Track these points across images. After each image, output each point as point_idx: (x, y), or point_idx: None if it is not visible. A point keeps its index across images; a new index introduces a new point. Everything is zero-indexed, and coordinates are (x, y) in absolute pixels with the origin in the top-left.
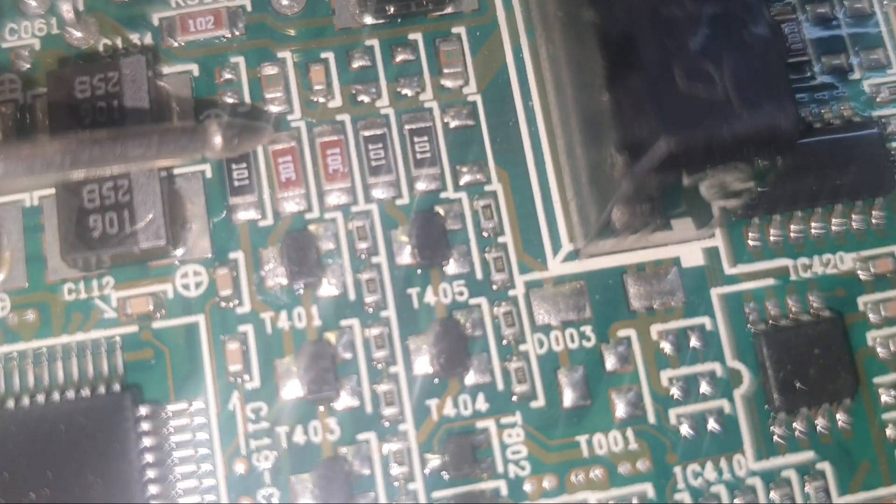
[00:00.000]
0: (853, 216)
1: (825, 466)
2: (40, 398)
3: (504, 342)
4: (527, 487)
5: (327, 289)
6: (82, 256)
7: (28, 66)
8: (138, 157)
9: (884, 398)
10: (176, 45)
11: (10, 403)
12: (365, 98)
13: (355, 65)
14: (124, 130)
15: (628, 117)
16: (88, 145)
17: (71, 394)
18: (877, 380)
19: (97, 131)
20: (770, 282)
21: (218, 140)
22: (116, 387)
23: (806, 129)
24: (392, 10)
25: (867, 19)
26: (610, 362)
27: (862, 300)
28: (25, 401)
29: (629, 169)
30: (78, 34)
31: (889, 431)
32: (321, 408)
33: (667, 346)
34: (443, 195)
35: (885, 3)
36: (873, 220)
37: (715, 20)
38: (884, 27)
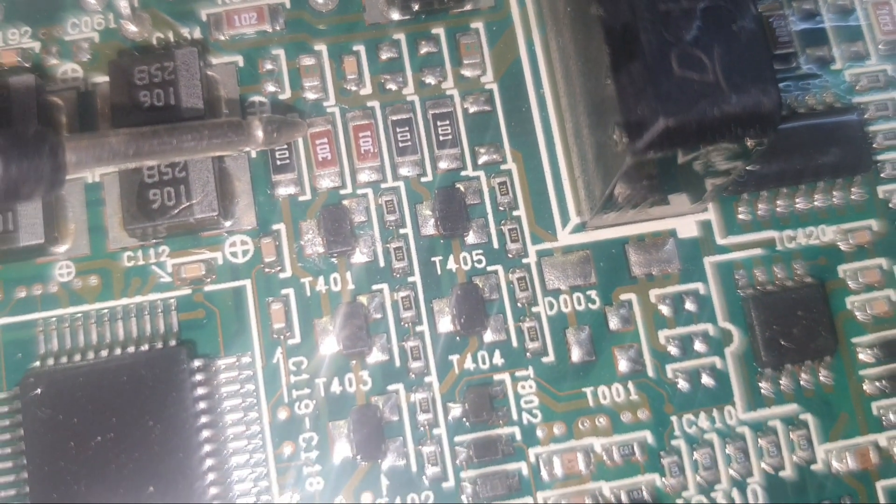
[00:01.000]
0: (834, 193)
1: (808, 417)
2: (104, 353)
3: (518, 304)
4: (538, 433)
5: (360, 257)
6: (142, 227)
7: (88, 56)
8: (191, 149)
9: (861, 356)
10: (222, 38)
11: (77, 357)
12: (392, 86)
13: (384, 56)
14: (179, 125)
15: (630, 100)
16: (149, 137)
17: (132, 349)
18: (855, 340)
19: (156, 126)
20: (758, 251)
21: (260, 134)
22: (172, 343)
23: (790, 113)
24: (417, 6)
25: (848, 14)
26: (613, 323)
27: (842, 268)
28: (91, 355)
29: (631, 146)
30: (133, 28)
31: (866, 386)
32: (354, 362)
33: (664, 309)
34: (463, 173)
35: None
36: (853, 197)
37: (707, 13)
38: (863, 21)
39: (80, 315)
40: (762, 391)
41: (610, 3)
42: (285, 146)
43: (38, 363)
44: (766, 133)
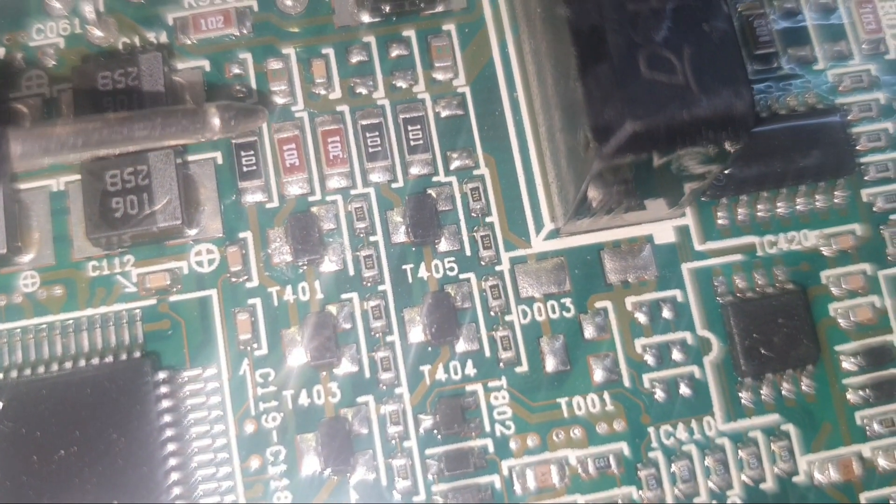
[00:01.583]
0: (817, 196)
1: (789, 428)
2: (68, 365)
3: (491, 313)
4: (512, 445)
5: (329, 265)
6: (105, 235)
7: (53, 62)
8: (144, 138)
9: (844, 365)
10: (189, 42)
11: (41, 370)
12: (363, 90)
13: (353, 59)
14: (131, 113)
15: (598, 103)
16: (98, 127)
17: (96, 361)
18: (838, 348)
19: (106, 114)
20: (738, 257)
21: (216, 122)
22: (137, 354)
23: (771, 115)
24: (387, 8)
25: (830, 13)
26: (588, 331)
27: (825, 274)
28: (55, 367)
29: (598, 150)
30: (99, 33)
31: (849, 395)
32: (323, 373)
33: (641, 317)
34: (434, 179)
35: None
36: (835, 200)
37: (676, 13)
38: (846, 20)
39: (44, 326)
40: (742, 401)
41: (577, 3)
42: (251, 152)
43: (0, 375)
44: (739, 136)
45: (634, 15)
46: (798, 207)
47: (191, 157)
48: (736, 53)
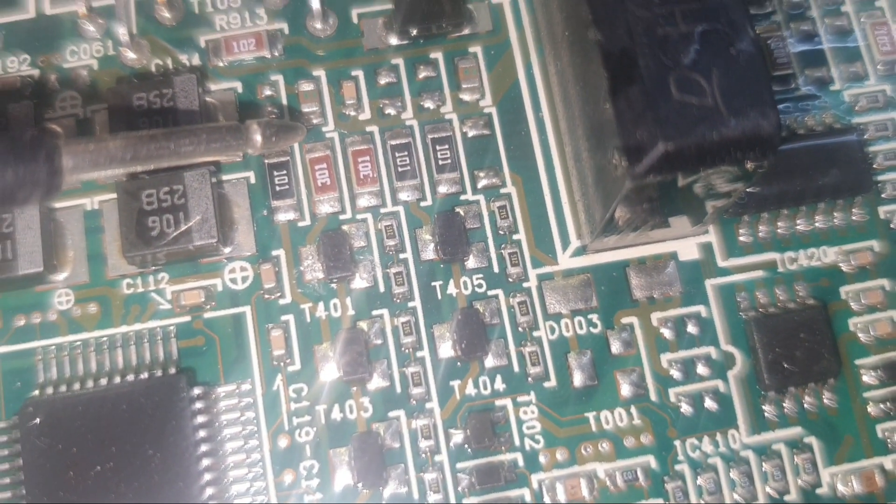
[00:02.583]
0: (835, 214)
1: (812, 440)
2: (104, 381)
3: (519, 329)
4: (541, 459)
5: (359, 282)
6: (141, 254)
7: (87, 84)
8: (189, 153)
9: (865, 378)
10: (221, 64)
11: (77, 386)
12: (391, 111)
13: (382, 81)
14: (177, 129)
15: (629, 124)
16: (146, 142)
17: (131, 377)
18: (858, 361)
19: (154, 130)
20: (760, 273)
21: (258, 137)
22: (172, 370)
23: (790, 134)
24: (415, 31)
25: (847, 35)
26: (615, 346)
27: (844, 290)
28: (90, 384)
29: (631, 170)
30: (132, 55)
31: (870, 408)
32: (355, 388)
33: (666, 332)
34: (462, 197)
35: (862, 20)
36: (854, 217)
37: (704, 37)
38: (861, 42)
39: (79, 343)
40: (766, 414)
41: (608, 27)
42: (284, 172)
43: (37, 392)
44: (765, 156)
45: (664, 39)
46: (817, 224)
47: (225, 177)
48: (762, 76)
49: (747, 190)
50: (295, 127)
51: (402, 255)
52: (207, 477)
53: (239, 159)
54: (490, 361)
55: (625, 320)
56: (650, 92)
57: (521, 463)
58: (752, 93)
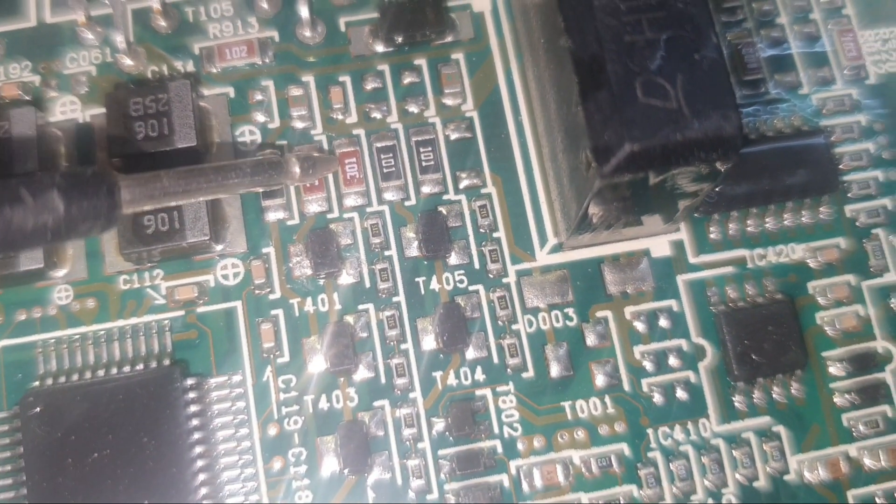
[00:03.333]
0: (803, 212)
1: (780, 429)
2: (101, 373)
3: (499, 322)
4: (519, 446)
5: (346, 278)
6: (137, 251)
7: (86, 89)
8: (234, 186)
9: (831, 370)
10: (214, 70)
11: (75, 377)
12: (377, 115)
13: (368, 86)
14: (225, 164)
15: (598, 126)
16: (197, 176)
17: (127, 369)
18: (825, 354)
19: (203, 165)
20: (730, 269)
21: (297, 170)
22: (166, 362)
23: (759, 136)
24: (400, 39)
25: (814, 41)
26: (590, 339)
27: (811, 285)
28: (88, 375)
29: (599, 169)
30: (129, 62)
31: (836, 398)
32: (342, 379)
33: (639, 325)
34: (445, 197)
35: (829, 27)
36: (821, 216)
37: (670, 44)
38: (829, 48)
39: (77, 336)
40: (735, 404)
41: (578, 35)
42: None
43: (37, 383)
44: (728, 156)
45: (631, 45)
46: (785, 223)
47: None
48: (724, 80)
49: (716, 189)
50: (330, 159)
51: (387, 253)
52: (200, 464)
53: (278, 187)
54: (471, 353)
55: (599, 314)
56: (617, 96)
57: (499, 450)
58: (714, 96)
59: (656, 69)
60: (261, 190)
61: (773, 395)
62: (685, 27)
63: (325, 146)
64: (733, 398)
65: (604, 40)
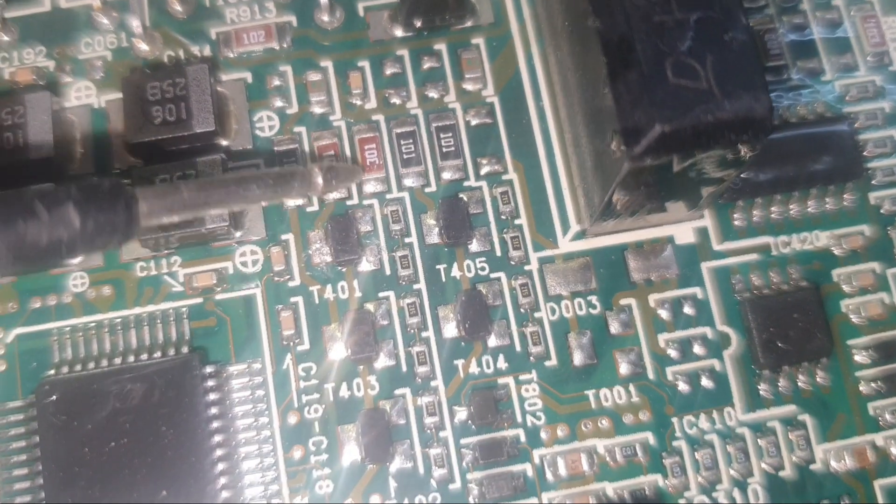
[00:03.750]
0: (827, 199)
1: (806, 418)
2: (118, 360)
3: (521, 310)
4: (542, 435)
5: (366, 265)
6: (155, 237)
7: (101, 74)
8: (257, 197)
9: (857, 358)
10: (231, 55)
11: (91, 366)
12: (396, 100)
13: (388, 71)
14: (246, 175)
15: (627, 108)
16: (218, 188)
17: (145, 356)
18: (850, 342)
19: (225, 176)
20: (754, 257)
21: (320, 181)
22: (185, 350)
23: (783, 123)
24: (419, 23)
25: (837, 27)
26: (614, 327)
27: (836, 272)
28: (105, 363)
29: (629, 152)
30: (145, 47)
31: (862, 387)
32: (362, 367)
33: (663, 313)
34: (465, 184)
35: (852, 13)
36: (845, 203)
37: (699, 24)
38: (851, 34)
39: (93, 324)
40: (761, 393)
41: (607, 15)
42: (293, 159)
43: (52, 371)
44: (758, 138)
45: (660, 26)
46: (810, 210)
47: (235, 164)
48: (755, 61)
49: (741, 175)
50: (354, 170)
51: (407, 240)
52: (219, 453)
53: (303, 200)
54: (493, 341)
55: (623, 301)
56: (647, 76)
57: (522, 439)
58: (745, 77)
59: (686, 50)
60: (283, 201)
61: (799, 384)
62: (714, 7)
63: (345, 132)
64: (758, 386)
65: (633, 20)
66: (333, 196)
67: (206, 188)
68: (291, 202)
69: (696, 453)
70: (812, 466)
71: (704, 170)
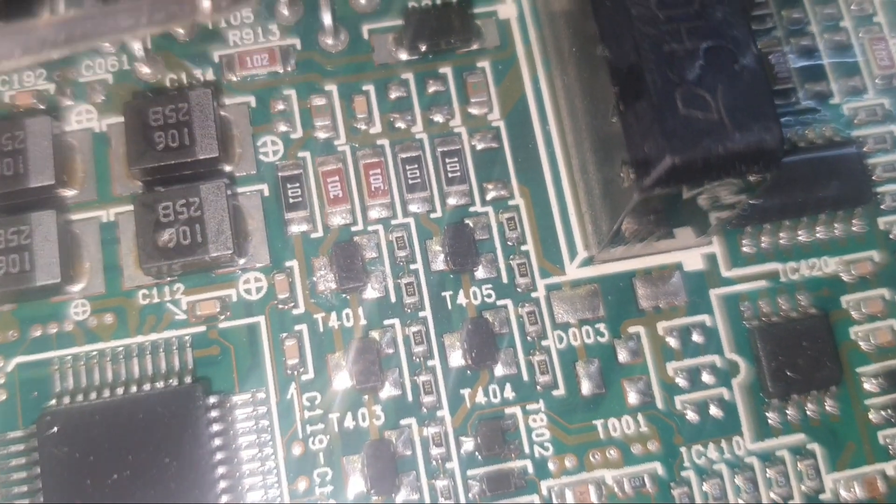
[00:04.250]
0: (836, 224)
1: (815, 447)
2: (120, 391)
3: (528, 338)
4: (550, 466)
5: (371, 292)
6: (157, 265)
7: (103, 98)
8: (130, 28)
9: (866, 386)
10: (234, 79)
11: (93, 395)
12: (402, 124)
13: (392, 95)
14: (114, 5)
15: (637, 138)
16: (82, 20)
17: (147, 386)
18: (860, 369)
19: (89, 7)
20: (762, 283)
21: (207, 4)
22: (188, 379)
23: (791, 147)
24: (424, 47)
25: (846, 50)
26: (622, 355)
27: (845, 299)
28: (106, 393)
29: (639, 183)
30: (146, 70)
31: (872, 415)
32: (367, 396)
33: (672, 341)
34: (471, 209)
35: (861, 35)
36: (854, 228)
37: (709, 53)
38: (860, 57)
39: (95, 353)
40: (769, 421)
41: (616, 44)
42: (297, 184)
43: (53, 401)
44: (769, 169)
45: (670, 55)
46: (818, 235)
47: (239, 189)
48: (765, 91)
49: (750, 202)
50: None
51: (412, 266)
52: (223, 484)
53: (183, 31)
54: (499, 370)
55: (631, 329)
56: (657, 106)
57: (530, 470)
58: (755, 107)
59: (696, 79)
60: (163, 30)
61: (808, 412)
62: (724, 37)
63: (349, 156)
64: (767, 415)
65: (642, 49)
66: (338, 222)
67: (69, 21)
68: (296, 228)
69: (704, 483)
70: (821, 496)
71: (717, 196)
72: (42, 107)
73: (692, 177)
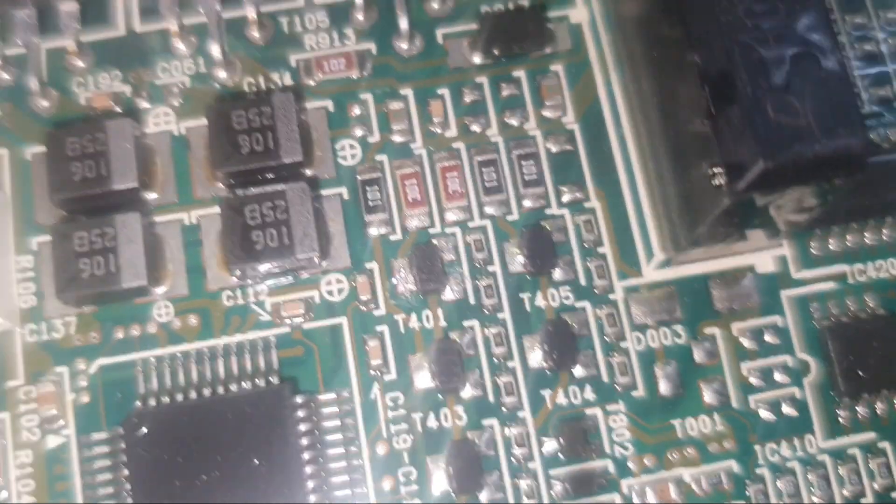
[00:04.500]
0: None
1: (886, 445)
2: (206, 392)
3: (607, 340)
4: (631, 465)
5: (450, 294)
6: (243, 267)
7: (180, 101)
8: None
9: None
10: (312, 83)
11: (180, 397)
12: (476, 128)
13: (467, 99)
14: None
15: (729, 143)
16: None
17: (234, 387)
18: None
19: None
20: (831, 285)
21: None
22: (274, 380)
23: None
24: (498, 51)
25: None
26: (698, 356)
27: None
28: (193, 394)
29: (731, 187)
30: (223, 73)
31: None
32: (449, 397)
33: (746, 342)
34: (548, 212)
35: None
36: None
37: (796, 60)
38: None
39: (179, 354)
40: (840, 420)
41: (707, 51)
42: (376, 188)
43: (138, 403)
44: (855, 173)
45: (759, 62)
46: (884, 238)
47: (322, 192)
48: (850, 97)
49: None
50: None
51: (490, 268)
52: (311, 484)
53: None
54: (579, 371)
55: (707, 331)
56: (749, 111)
57: (611, 469)
58: (841, 113)
59: (784, 85)
60: None
61: (878, 411)
62: (809, 43)
63: (426, 160)
64: (838, 413)
65: (733, 56)
66: (416, 225)
67: None
68: (374, 231)
69: (778, 481)
70: (894, 494)
71: (797, 201)
72: (119, 109)
73: (782, 181)
